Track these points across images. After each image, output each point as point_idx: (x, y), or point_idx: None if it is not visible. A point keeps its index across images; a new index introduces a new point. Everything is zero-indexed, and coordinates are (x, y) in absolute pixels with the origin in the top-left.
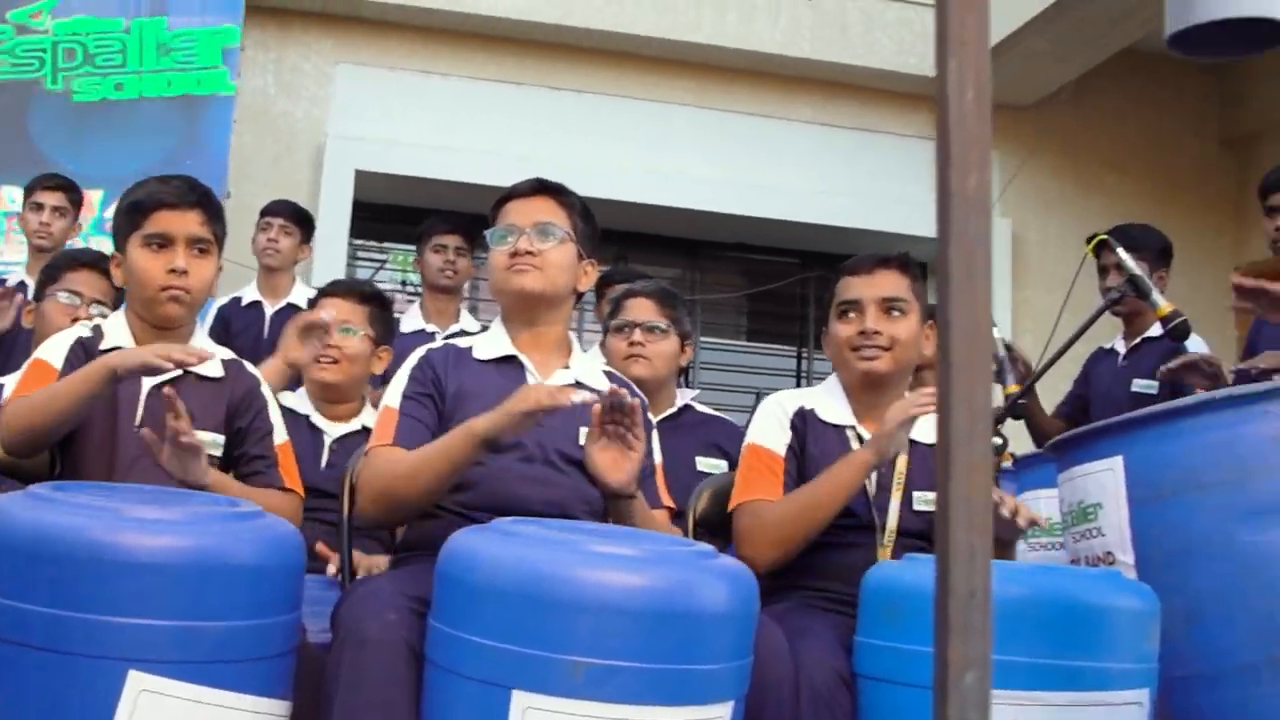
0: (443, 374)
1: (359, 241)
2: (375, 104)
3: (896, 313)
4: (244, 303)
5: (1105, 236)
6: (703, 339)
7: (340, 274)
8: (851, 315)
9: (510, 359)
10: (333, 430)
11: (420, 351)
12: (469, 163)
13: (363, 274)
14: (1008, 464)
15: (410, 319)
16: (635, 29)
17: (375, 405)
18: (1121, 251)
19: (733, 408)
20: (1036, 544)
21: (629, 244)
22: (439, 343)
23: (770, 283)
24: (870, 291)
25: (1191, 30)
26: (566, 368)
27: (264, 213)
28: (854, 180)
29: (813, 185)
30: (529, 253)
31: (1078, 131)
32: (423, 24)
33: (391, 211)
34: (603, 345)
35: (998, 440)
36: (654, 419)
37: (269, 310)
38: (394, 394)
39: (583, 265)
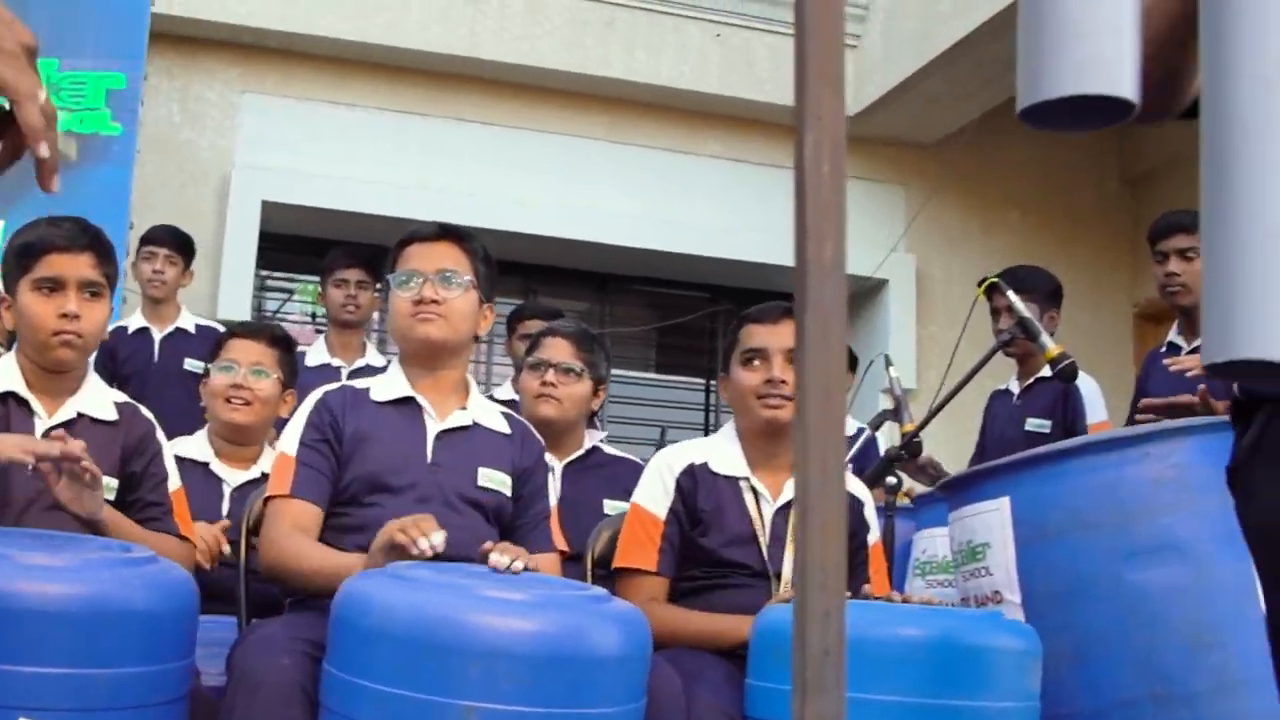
0: (340, 417)
1: (266, 273)
2: (282, 134)
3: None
4: (130, 330)
5: (995, 280)
6: (612, 372)
7: (247, 306)
8: (757, 363)
9: (408, 400)
10: (232, 478)
11: (317, 394)
12: (377, 194)
13: (270, 305)
14: (905, 502)
15: (315, 353)
16: (544, 63)
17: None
18: (1011, 295)
19: (640, 440)
20: (934, 580)
21: (538, 277)
22: (336, 385)
23: (679, 316)
24: (776, 341)
25: (1040, 105)
26: (464, 409)
27: (145, 240)
28: (763, 215)
29: (722, 220)
30: (434, 301)
31: (980, 169)
32: (331, 54)
33: (299, 242)
34: (515, 381)
35: (892, 479)
36: (561, 461)
37: (157, 336)
38: (290, 440)
39: (482, 310)
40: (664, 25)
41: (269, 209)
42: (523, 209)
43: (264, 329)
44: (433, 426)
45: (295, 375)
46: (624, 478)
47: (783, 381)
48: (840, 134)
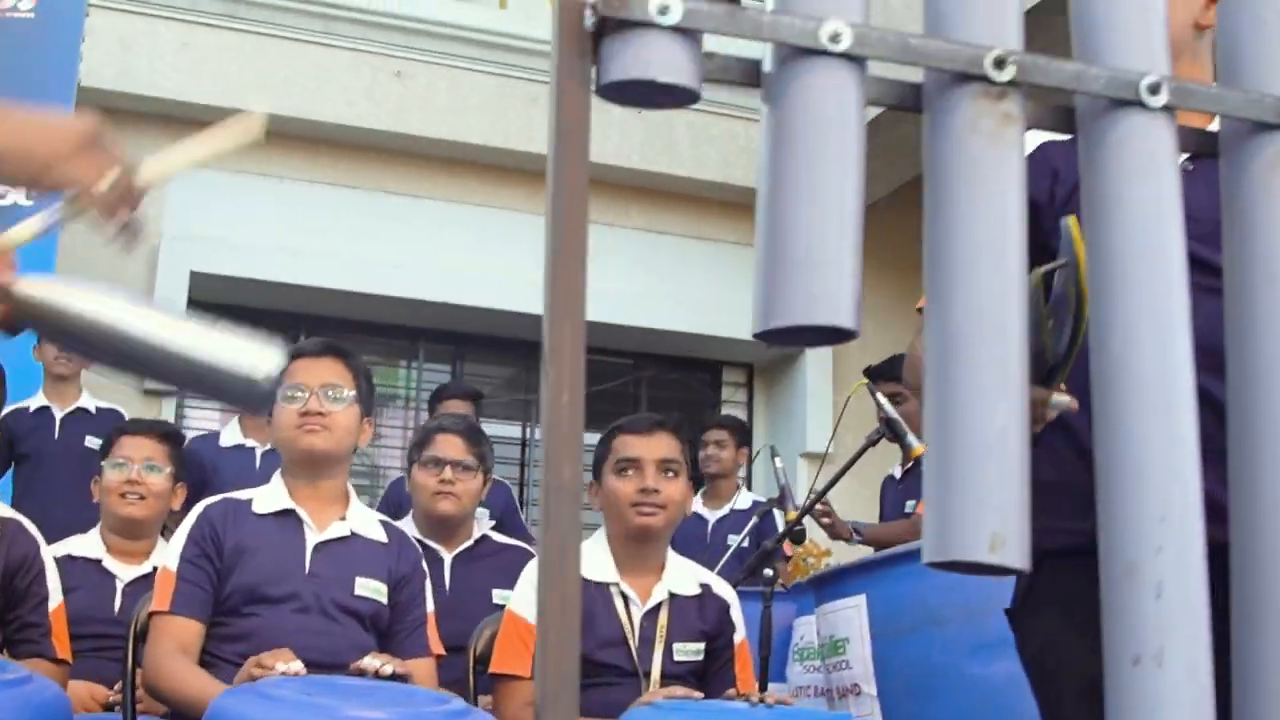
0: (221, 532)
1: None
2: (211, 205)
3: (671, 473)
4: (31, 409)
5: (865, 383)
6: (540, 438)
7: None
8: (630, 473)
9: (289, 512)
10: (125, 574)
11: (199, 509)
12: (305, 265)
13: None
14: (780, 589)
15: (229, 433)
16: (469, 137)
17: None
18: (880, 396)
19: None
20: (811, 666)
21: (465, 345)
22: (218, 498)
23: (604, 383)
24: (649, 452)
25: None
26: (343, 519)
27: None
28: (681, 285)
29: (644, 289)
30: (319, 414)
31: (893, 240)
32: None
33: (227, 312)
34: (407, 475)
35: (769, 572)
36: (451, 553)
37: (58, 415)
38: (173, 555)
39: (363, 423)
40: None
41: (197, 279)
42: (449, 279)
43: (154, 426)
44: (312, 537)
45: (184, 469)
46: (514, 566)
47: (655, 490)
48: (579, 365)
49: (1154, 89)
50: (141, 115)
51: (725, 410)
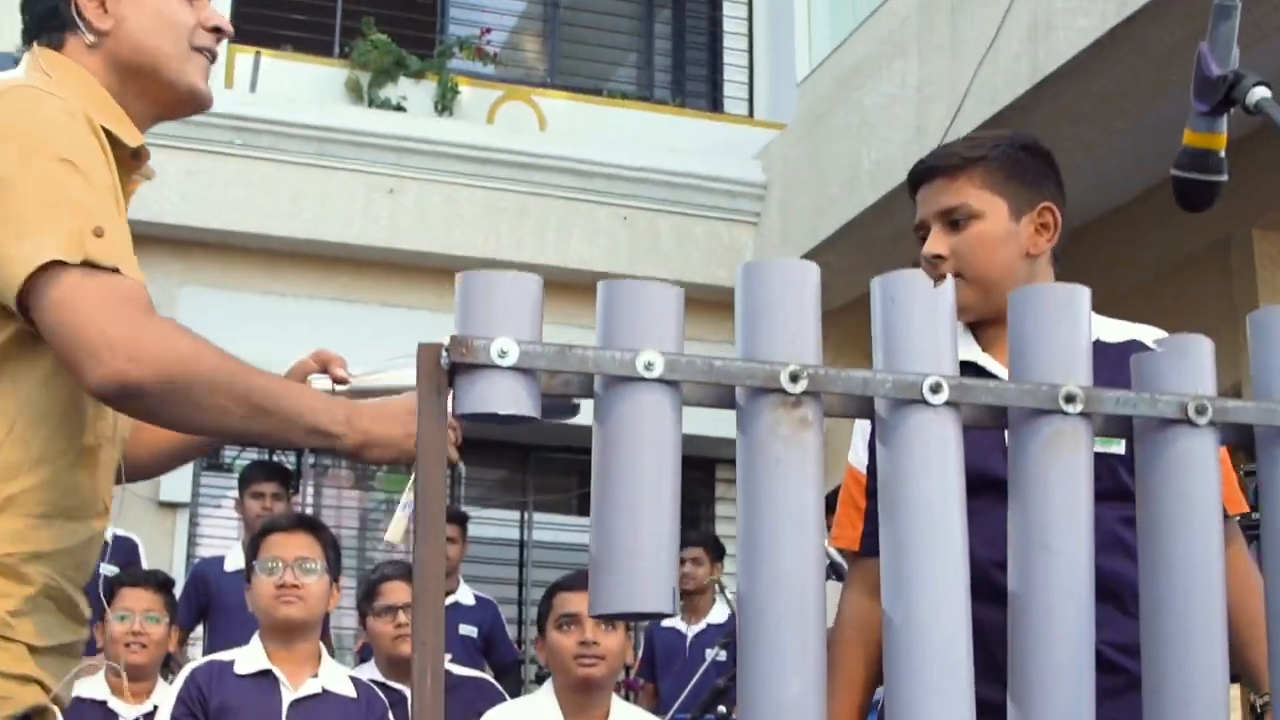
0: (207, 692)
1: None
2: (220, 323)
3: (610, 626)
4: None
5: None
6: (536, 539)
7: (188, 488)
8: (571, 627)
9: (266, 672)
10: (129, 713)
11: (187, 671)
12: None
13: (208, 491)
14: None
15: (234, 559)
16: (461, 250)
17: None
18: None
19: None
20: None
21: (466, 449)
22: (204, 660)
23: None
24: (588, 606)
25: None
26: (315, 676)
27: None
28: None
29: None
30: (294, 585)
31: (857, 345)
32: (263, 247)
33: None
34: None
35: (722, 709)
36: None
37: None
38: (164, 714)
39: (332, 589)
40: (574, 210)
41: None
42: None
43: (150, 578)
44: (287, 695)
45: (176, 613)
46: (480, 698)
47: (595, 643)
48: (440, 660)
49: (935, 389)
50: (152, 240)
51: (719, 507)
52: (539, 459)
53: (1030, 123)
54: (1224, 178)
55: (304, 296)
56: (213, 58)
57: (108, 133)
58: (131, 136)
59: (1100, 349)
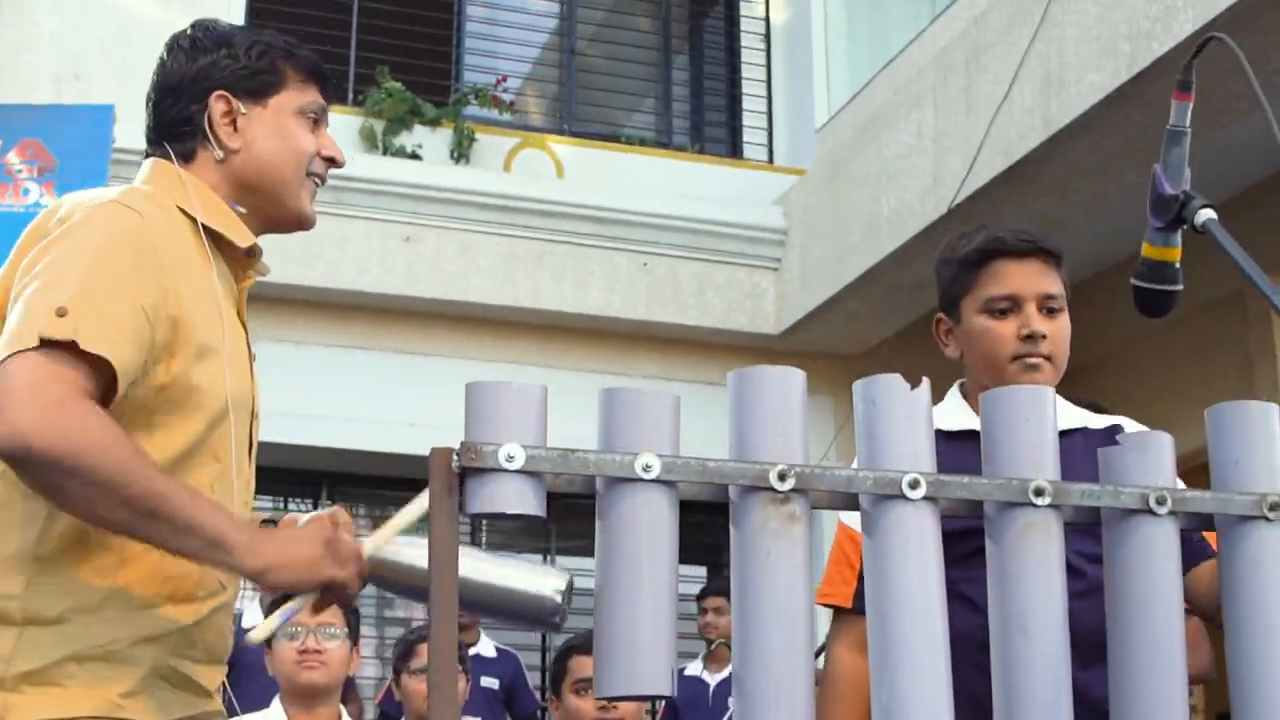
0: None
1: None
2: None
3: None
4: None
5: None
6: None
7: None
8: (588, 692)
9: None
10: None
11: None
12: (324, 427)
13: None
14: None
15: (251, 614)
16: (478, 297)
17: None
18: None
19: None
20: None
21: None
22: None
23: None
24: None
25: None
26: None
27: None
28: (697, 430)
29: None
30: (316, 651)
31: (907, 377)
32: (277, 296)
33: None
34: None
35: None
36: None
37: None
38: None
39: (352, 653)
40: (592, 257)
41: None
42: (461, 434)
43: None
44: None
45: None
46: None
47: (614, 706)
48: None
49: (914, 485)
50: None
51: None
52: (562, 504)
53: (1045, 175)
54: (1179, 288)
55: (320, 345)
56: (321, 184)
57: (218, 236)
58: (242, 237)
59: (1088, 435)
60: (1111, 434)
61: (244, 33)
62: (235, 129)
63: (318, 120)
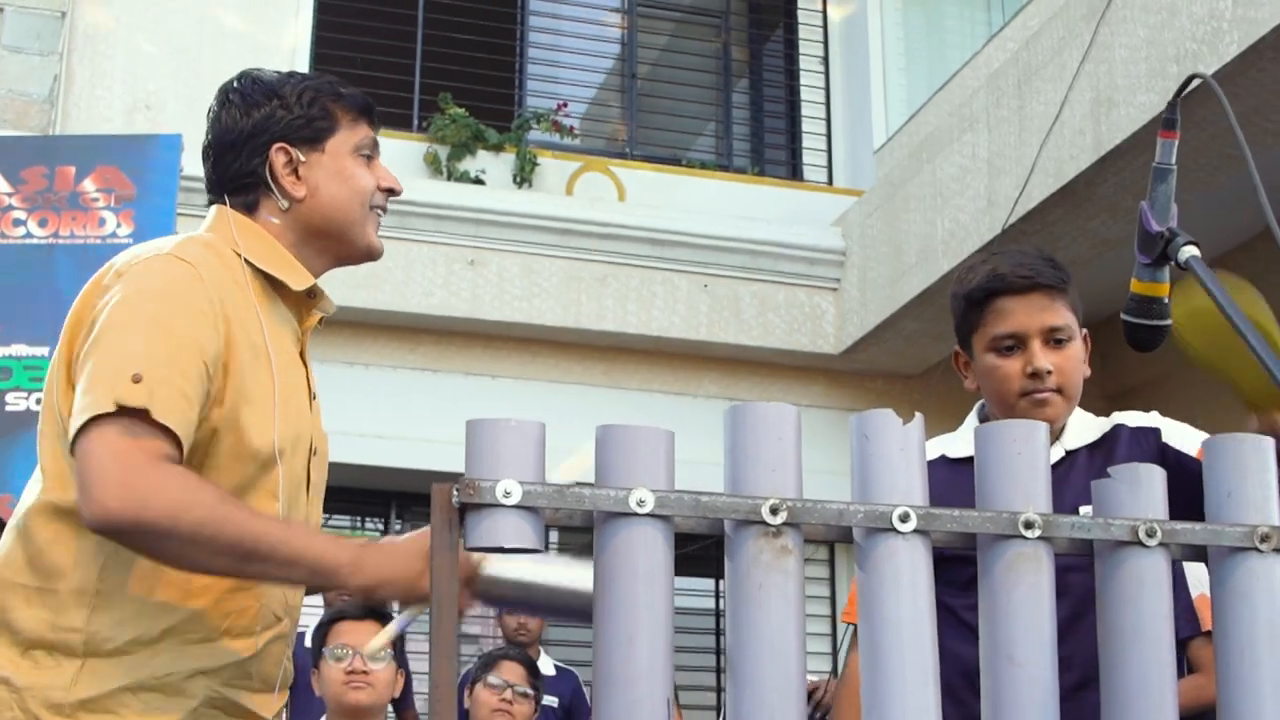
0: None
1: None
2: None
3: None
4: None
5: None
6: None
7: None
8: None
9: None
10: None
11: None
12: (393, 448)
13: None
14: None
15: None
16: (542, 320)
17: None
18: None
19: None
20: None
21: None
22: None
23: (688, 546)
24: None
25: None
26: None
27: None
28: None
29: (720, 455)
30: (363, 672)
31: (965, 395)
32: (347, 320)
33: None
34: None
35: None
36: None
37: None
38: None
39: (397, 675)
40: (654, 279)
41: None
42: None
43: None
44: None
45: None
46: None
47: None
48: None
49: (904, 518)
50: None
51: (807, 574)
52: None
53: (1096, 196)
54: (1168, 322)
55: (388, 367)
56: (384, 213)
57: (276, 281)
58: (299, 280)
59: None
60: (1149, 434)
61: (290, 80)
62: (298, 178)
63: (370, 155)
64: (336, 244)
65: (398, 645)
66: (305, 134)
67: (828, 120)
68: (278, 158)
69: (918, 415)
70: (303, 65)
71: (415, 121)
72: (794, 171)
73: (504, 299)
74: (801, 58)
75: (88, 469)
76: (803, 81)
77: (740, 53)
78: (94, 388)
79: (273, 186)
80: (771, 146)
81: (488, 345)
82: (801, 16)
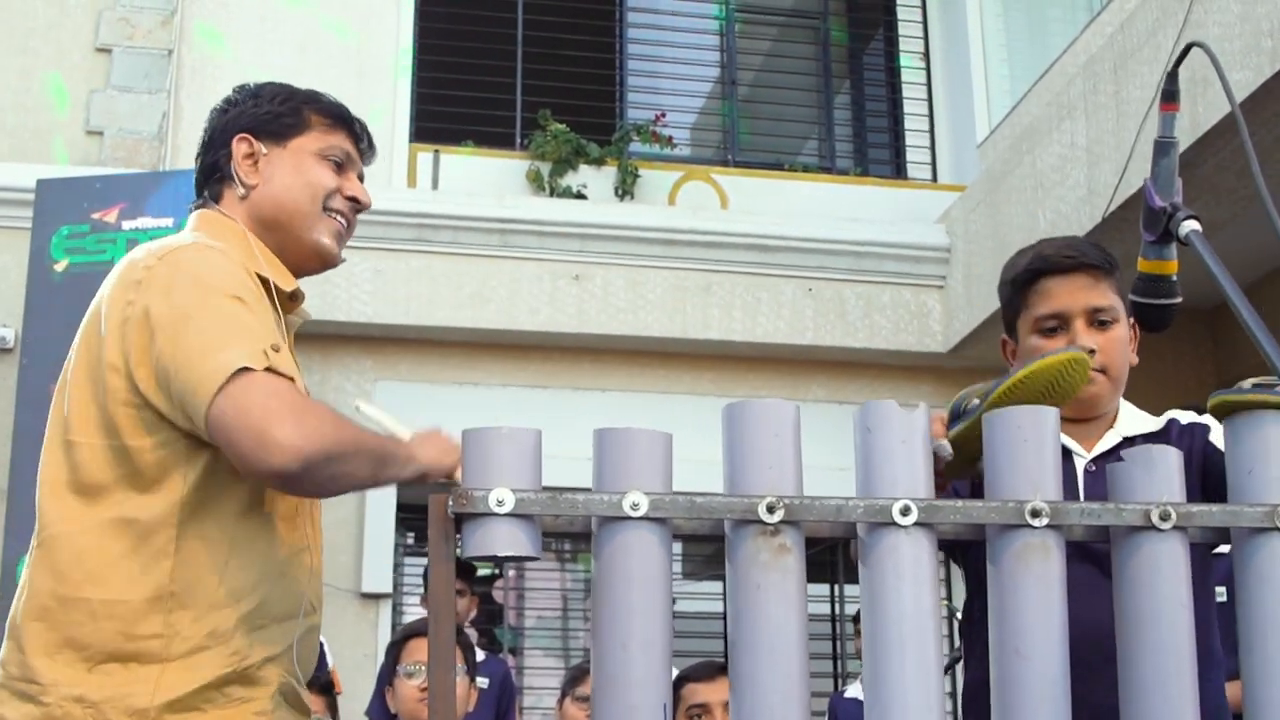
0: None
1: (408, 543)
2: (414, 415)
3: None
4: None
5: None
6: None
7: (389, 577)
8: (703, 719)
9: None
10: None
11: None
12: None
13: (411, 579)
14: None
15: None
16: (648, 331)
17: None
18: None
19: None
20: None
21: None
22: None
23: (812, 548)
24: (717, 696)
25: None
26: None
27: None
28: None
29: (835, 460)
30: None
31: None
32: (454, 340)
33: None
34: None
35: None
36: None
37: None
38: None
39: (470, 690)
40: (759, 285)
41: (406, 488)
42: None
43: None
44: None
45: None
46: None
47: None
48: None
49: (905, 511)
50: (344, 339)
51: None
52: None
53: (1197, 178)
54: (1178, 300)
55: (497, 385)
56: (346, 224)
57: (264, 279)
58: (286, 281)
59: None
60: (1198, 430)
61: (278, 86)
62: (256, 168)
63: (343, 165)
64: (288, 240)
65: (469, 660)
66: (270, 128)
67: (930, 116)
68: (239, 147)
69: (921, 405)
70: (405, 91)
71: (518, 140)
72: (898, 170)
73: (609, 312)
74: (902, 54)
75: (248, 422)
76: (904, 79)
77: (839, 52)
78: (202, 363)
79: (233, 174)
80: (875, 146)
81: (595, 359)
82: (901, 14)
